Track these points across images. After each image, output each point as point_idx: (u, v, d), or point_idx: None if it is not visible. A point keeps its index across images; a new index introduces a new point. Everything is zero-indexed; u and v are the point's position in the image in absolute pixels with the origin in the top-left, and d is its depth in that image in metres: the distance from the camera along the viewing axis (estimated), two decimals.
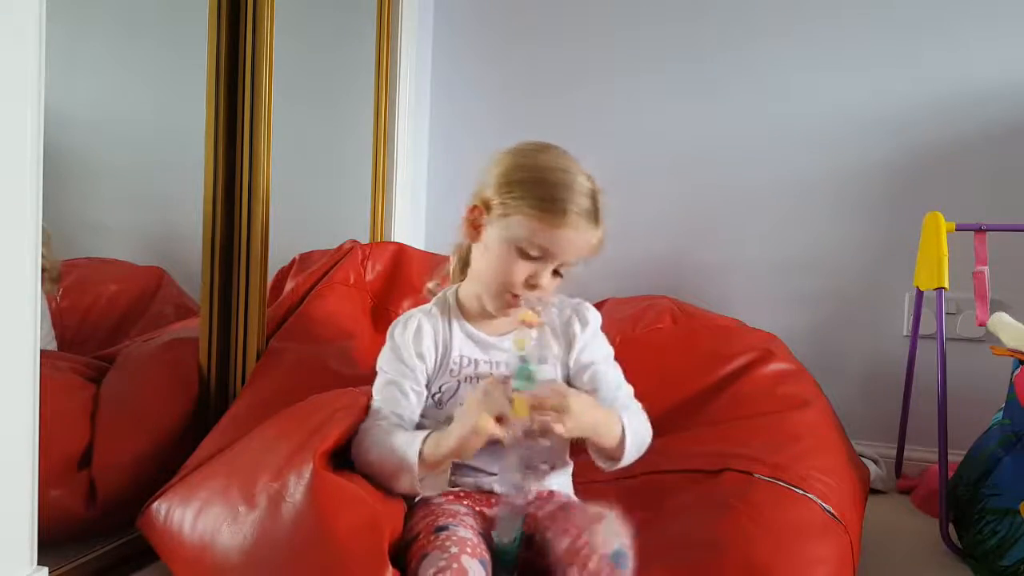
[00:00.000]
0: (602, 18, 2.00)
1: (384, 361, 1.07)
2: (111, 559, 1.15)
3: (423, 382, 1.05)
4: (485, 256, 1.02)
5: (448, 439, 0.93)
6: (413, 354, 1.04)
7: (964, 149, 1.76)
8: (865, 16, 1.81)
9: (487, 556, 0.90)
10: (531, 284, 0.99)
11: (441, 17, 2.12)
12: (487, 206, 1.02)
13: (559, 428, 0.91)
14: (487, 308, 1.04)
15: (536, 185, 0.98)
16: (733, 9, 1.90)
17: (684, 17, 1.94)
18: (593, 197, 1.00)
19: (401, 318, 1.08)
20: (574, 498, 1.08)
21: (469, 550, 0.87)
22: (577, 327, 1.08)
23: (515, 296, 1.00)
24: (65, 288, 1.53)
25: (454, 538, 0.89)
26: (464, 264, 1.09)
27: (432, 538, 0.90)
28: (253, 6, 1.35)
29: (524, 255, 0.98)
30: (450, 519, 0.95)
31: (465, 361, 1.05)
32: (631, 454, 1.01)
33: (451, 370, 1.05)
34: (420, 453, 0.93)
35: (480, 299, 1.05)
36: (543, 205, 0.97)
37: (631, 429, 1.00)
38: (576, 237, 0.98)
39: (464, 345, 1.06)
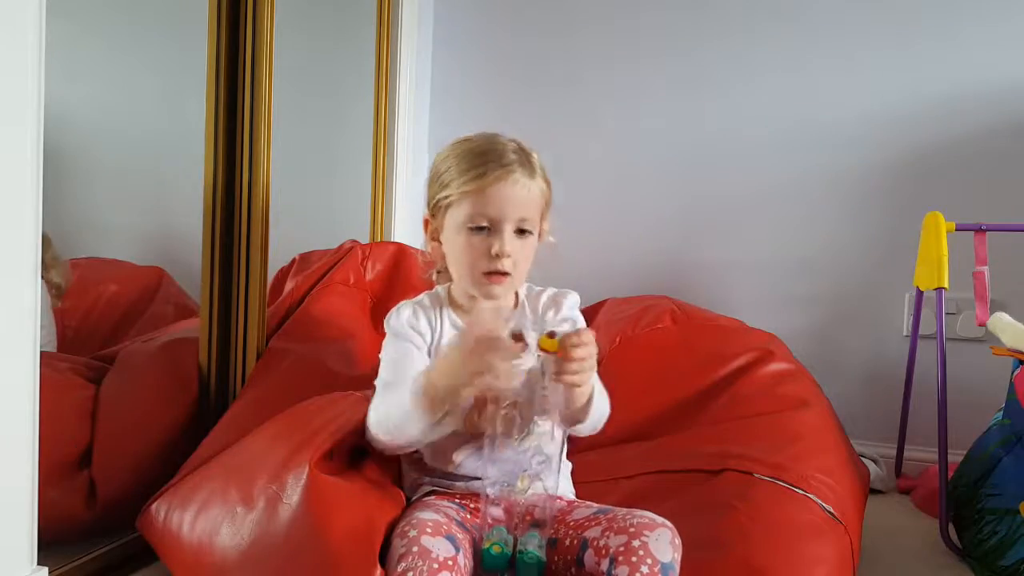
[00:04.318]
0: (602, 18, 2.00)
1: (386, 346, 1.07)
2: (111, 559, 1.15)
3: (427, 354, 1.05)
4: (449, 252, 1.05)
5: (440, 376, 0.92)
6: (410, 329, 1.05)
7: (964, 149, 1.76)
8: (865, 15, 1.81)
9: (459, 534, 0.90)
10: (497, 254, 0.99)
11: (441, 16, 2.12)
12: (433, 212, 1.05)
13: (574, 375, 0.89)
14: (475, 296, 1.05)
15: (458, 163, 1.02)
16: (734, 8, 1.90)
17: (685, 18, 1.94)
18: (521, 152, 1.02)
19: (393, 309, 1.09)
20: (582, 500, 1.07)
21: (429, 530, 0.87)
22: (551, 314, 1.09)
23: (489, 274, 1.00)
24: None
25: (413, 522, 0.89)
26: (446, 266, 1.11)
27: (398, 531, 0.90)
28: (253, 6, 1.35)
29: (474, 231, 1.00)
30: (426, 509, 0.95)
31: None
32: (594, 418, 1.00)
33: (436, 356, 1.05)
34: (420, 387, 0.93)
35: (467, 292, 1.06)
36: (468, 175, 0.99)
37: (599, 389, 1.00)
38: (511, 191, 0.99)
39: (451, 334, 1.06)
